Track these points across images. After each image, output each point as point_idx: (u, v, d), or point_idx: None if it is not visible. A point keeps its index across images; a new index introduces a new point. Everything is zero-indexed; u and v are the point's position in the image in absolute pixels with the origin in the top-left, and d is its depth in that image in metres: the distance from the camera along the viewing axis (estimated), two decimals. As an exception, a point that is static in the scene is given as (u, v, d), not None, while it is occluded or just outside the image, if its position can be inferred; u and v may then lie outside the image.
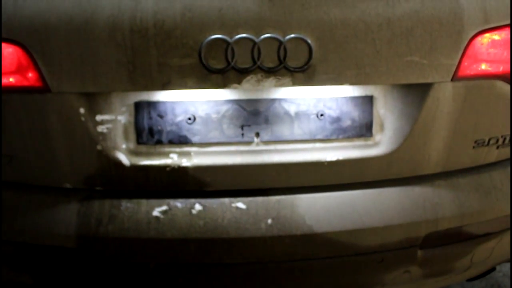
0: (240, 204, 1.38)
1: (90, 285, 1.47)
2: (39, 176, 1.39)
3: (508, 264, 2.43)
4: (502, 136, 1.49)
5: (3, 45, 1.25)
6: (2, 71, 1.27)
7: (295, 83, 1.29)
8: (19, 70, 1.27)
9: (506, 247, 1.62)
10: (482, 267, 1.67)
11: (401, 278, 1.52)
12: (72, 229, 1.37)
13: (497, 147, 1.50)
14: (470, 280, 1.84)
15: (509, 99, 1.43)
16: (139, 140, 1.38)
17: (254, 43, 1.23)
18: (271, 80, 1.28)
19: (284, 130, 1.40)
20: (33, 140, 1.33)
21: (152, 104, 1.36)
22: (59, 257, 1.42)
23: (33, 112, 1.30)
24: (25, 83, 1.27)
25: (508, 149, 1.53)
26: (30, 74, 1.27)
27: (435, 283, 1.62)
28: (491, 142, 1.48)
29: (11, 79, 1.28)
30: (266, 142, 1.40)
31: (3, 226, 1.40)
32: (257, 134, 1.39)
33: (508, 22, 1.36)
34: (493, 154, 1.51)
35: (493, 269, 1.77)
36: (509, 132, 1.50)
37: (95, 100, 1.31)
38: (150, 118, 1.37)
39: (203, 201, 1.38)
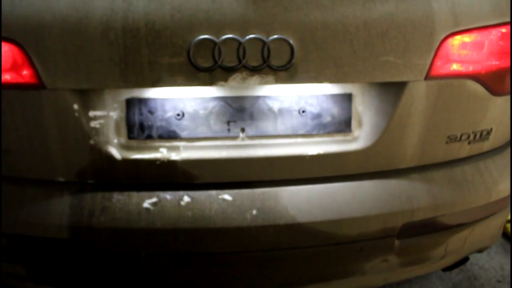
0: (226, 196, 1.44)
1: (83, 275, 1.51)
2: (33, 169, 1.43)
3: (484, 257, 2.52)
4: (473, 132, 1.56)
5: (-1, 43, 1.29)
6: (-1, 68, 1.31)
7: (278, 81, 1.34)
8: (14, 68, 1.30)
9: (478, 237, 1.70)
10: (456, 256, 1.74)
11: (379, 267, 1.58)
12: (65, 220, 1.40)
13: (469, 143, 1.58)
14: (446, 270, 1.92)
15: (479, 97, 1.50)
16: (130, 135, 1.42)
17: (240, 43, 1.29)
18: (256, 78, 1.33)
19: (268, 126, 1.46)
20: (28, 135, 1.37)
21: (143, 101, 1.41)
22: (52, 248, 1.45)
23: (28, 108, 1.33)
24: (20, 80, 1.31)
25: (478, 144, 1.61)
26: (25, 72, 1.30)
27: (412, 272, 1.69)
28: (463, 137, 1.55)
29: (6, 76, 1.31)
30: (251, 137, 1.45)
31: (-3, 219, 1.44)
32: (243, 130, 1.45)
33: (477, 25, 1.42)
34: (465, 149, 1.59)
35: (466, 259, 1.84)
36: (479, 129, 1.57)
37: (88, 97, 1.35)
38: (141, 114, 1.42)
39: (191, 193, 1.43)
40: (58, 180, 1.44)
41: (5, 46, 1.29)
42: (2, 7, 1.26)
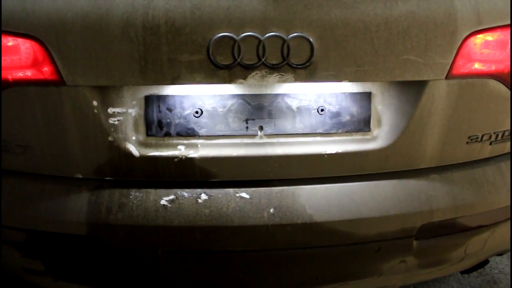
0: (244, 194, 1.44)
1: (100, 272, 1.52)
2: (51, 166, 1.44)
3: (504, 261, 2.48)
4: (495, 133, 1.54)
5: (20, 40, 1.30)
6: (20, 65, 1.32)
7: (297, 79, 1.34)
8: (35, 64, 1.31)
9: (499, 239, 1.67)
10: (476, 259, 1.72)
11: (397, 268, 1.57)
12: (83, 217, 1.41)
13: (490, 143, 1.55)
14: (464, 272, 1.89)
15: (502, 97, 1.48)
16: (149, 132, 1.43)
17: (259, 40, 1.29)
18: (275, 76, 1.33)
19: (286, 124, 1.45)
20: (47, 131, 1.38)
21: (162, 98, 1.41)
22: (70, 244, 1.47)
23: (48, 104, 1.35)
24: (41, 76, 1.32)
25: (500, 145, 1.58)
26: (46, 68, 1.31)
27: (430, 274, 1.67)
28: (484, 138, 1.53)
29: (28, 73, 1.32)
30: (269, 135, 1.45)
31: (16, 214, 1.45)
32: (261, 128, 1.45)
33: (501, 24, 1.40)
34: (486, 150, 1.56)
35: (486, 261, 1.82)
36: (501, 129, 1.55)
37: (108, 94, 1.36)
38: (160, 111, 1.42)
39: (209, 191, 1.44)
40: (77, 177, 1.45)
41: (26, 43, 1.30)
42: (23, 4, 1.28)
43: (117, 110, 1.38)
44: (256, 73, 1.32)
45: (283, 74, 1.33)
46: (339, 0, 1.30)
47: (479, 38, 1.39)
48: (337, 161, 1.45)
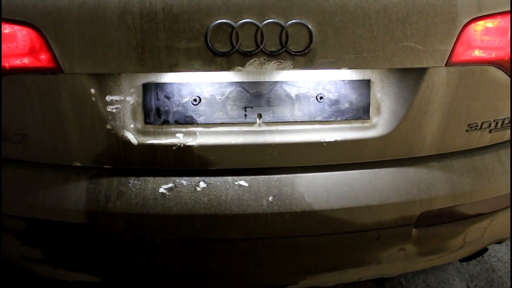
0: (242, 182, 1.44)
1: (99, 260, 1.52)
2: (50, 154, 1.44)
3: (503, 249, 2.49)
4: (494, 121, 1.53)
5: (17, 27, 1.29)
6: (17, 52, 1.31)
7: (295, 66, 1.33)
8: (32, 52, 1.31)
9: (498, 227, 1.67)
10: (474, 247, 1.72)
11: (396, 256, 1.57)
12: (81, 205, 1.42)
13: (490, 131, 1.55)
14: (463, 260, 1.89)
15: (502, 84, 1.47)
16: (147, 120, 1.43)
17: (258, 27, 1.28)
18: (273, 63, 1.32)
19: (285, 112, 1.45)
20: (44, 119, 1.38)
21: (160, 86, 1.41)
22: (69, 232, 1.47)
23: (46, 92, 1.34)
24: (38, 64, 1.31)
25: (500, 133, 1.58)
26: (43, 56, 1.31)
27: (429, 262, 1.68)
28: (484, 126, 1.52)
29: (25, 61, 1.32)
30: (268, 123, 1.45)
31: (15, 202, 1.45)
32: (259, 115, 1.44)
33: (501, 10, 1.38)
34: (486, 138, 1.56)
35: (485, 250, 1.82)
36: (501, 117, 1.54)
37: (105, 81, 1.35)
38: (158, 99, 1.42)
39: (207, 179, 1.44)
40: (75, 165, 1.45)
41: (23, 31, 1.30)
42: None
43: (115, 98, 1.37)
44: (255, 60, 1.31)
45: (281, 61, 1.32)
46: (338, -14, 1.28)
47: (480, 25, 1.38)
48: (336, 149, 1.44)
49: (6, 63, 1.32)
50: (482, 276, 2.31)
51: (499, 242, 1.82)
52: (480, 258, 2.40)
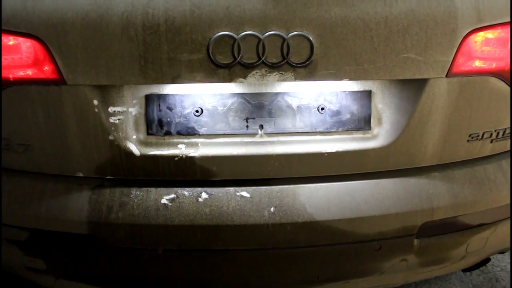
0: (244, 193, 1.44)
1: (101, 270, 1.52)
2: (53, 165, 1.45)
3: (506, 259, 2.48)
4: (496, 131, 1.54)
5: (21, 39, 1.30)
6: (21, 64, 1.32)
7: (297, 78, 1.34)
8: (36, 63, 1.32)
9: (500, 237, 1.67)
10: (477, 257, 1.71)
11: (398, 266, 1.56)
12: (84, 215, 1.42)
13: (491, 141, 1.55)
14: (466, 270, 1.89)
15: (502, 94, 1.48)
16: (149, 131, 1.43)
17: (259, 39, 1.29)
18: (275, 75, 1.33)
19: (286, 123, 1.45)
20: (48, 130, 1.39)
21: (162, 97, 1.42)
22: (71, 243, 1.47)
23: (49, 103, 1.35)
24: (42, 75, 1.33)
25: (502, 143, 1.58)
26: (46, 67, 1.32)
27: (432, 272, 1.67)
28: (485, 136, 1.53)
29: (28, 72, 1.33)
30: (270, 134, 1.45)
31: (18, 213, 1.46)
32: (261, 126, 1.45)
33: (501, 21, 1.40)
34: (487, 148, 1.56)
35: (487, 260, 1.81)
36: (502, 127, 1.54)
37: (108, 93, 1.36)
38: (160, 110, 1.42)
39: (209, 189, 1.44)
40: (78, 176, 1.45)
41: (27, 42, 1.31)
42: (24, 3, 1.28)
43: (117, 109, 1.38)
44: (256, 72, 1.32)
45: (283, 72, 1.33)
46: (339, -2, 1.29)
47: (480, 36, 1.39)
48: (338, 159, 1.45)
49: (10, 74, 1.33)
50: (485, 286, 2.30)
51: (502, 252, 1.81)
52: (484, 268, 2.39)
